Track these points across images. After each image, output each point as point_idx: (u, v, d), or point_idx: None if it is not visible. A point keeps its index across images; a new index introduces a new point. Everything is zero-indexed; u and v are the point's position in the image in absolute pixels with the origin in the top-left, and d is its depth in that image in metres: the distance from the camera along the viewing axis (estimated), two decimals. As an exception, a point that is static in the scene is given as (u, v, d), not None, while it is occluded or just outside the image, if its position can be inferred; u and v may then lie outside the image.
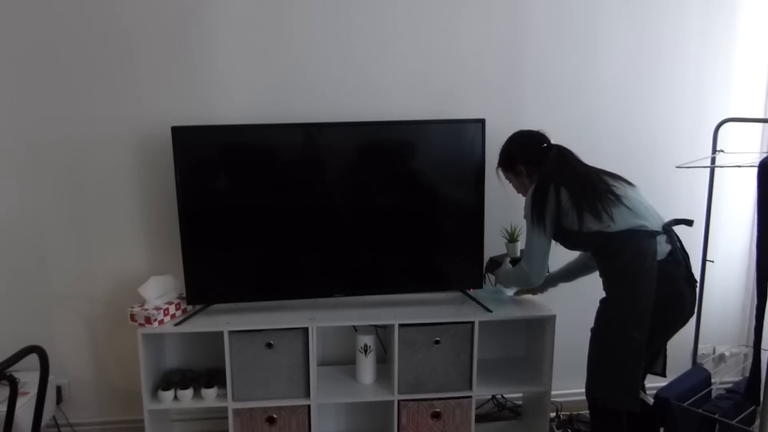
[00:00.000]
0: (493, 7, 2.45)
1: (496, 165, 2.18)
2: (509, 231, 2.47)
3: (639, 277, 1.88)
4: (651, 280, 1.87)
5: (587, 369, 2.03)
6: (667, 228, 1.96)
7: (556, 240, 2.07)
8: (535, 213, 2.00)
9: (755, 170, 1.98)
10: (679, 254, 1.94)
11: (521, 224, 2.60)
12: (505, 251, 2.47)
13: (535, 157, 2.06)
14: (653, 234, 1.90)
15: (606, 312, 2.01)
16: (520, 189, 2.17)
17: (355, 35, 2.42)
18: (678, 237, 1.98)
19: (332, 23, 2.40)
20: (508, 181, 2.19)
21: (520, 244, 2.47)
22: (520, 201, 2.60)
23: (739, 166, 2.34)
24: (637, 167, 2.65)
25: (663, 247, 1.91)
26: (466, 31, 2.47)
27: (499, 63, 2.50)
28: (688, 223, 2.05)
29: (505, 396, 2.77)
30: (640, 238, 1.89)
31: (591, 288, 2.75)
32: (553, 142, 2.10)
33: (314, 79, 2.43)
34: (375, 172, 2.33)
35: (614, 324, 1.95)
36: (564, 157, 2.04)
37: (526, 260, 2.09)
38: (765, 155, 2.15)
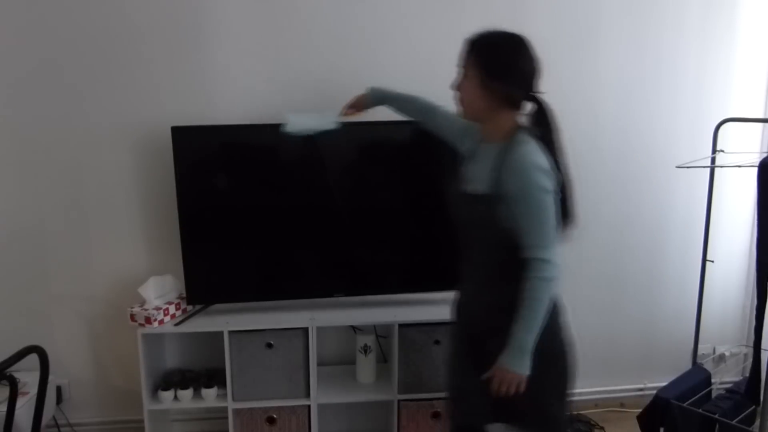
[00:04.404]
0: (494, 8, 2.45)
1: (467, 50, 1.62)
2: None
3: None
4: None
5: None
6: None
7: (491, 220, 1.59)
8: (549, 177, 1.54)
9: (755, 170, 1.98)
10: None
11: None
12: None
13: (522, 95, 1.59)
14: None
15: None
16: (469, 106, 1.62)
17: (355, 35, 2.41)
18: None
19: (332, 23, 2.40)
20: (460, 80, 1.65)
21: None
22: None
23: (739, 166, 2.34)
24: (637, 167, 2.65)
25: None
26: (467, 32, 2.47)
27: (499, 63, 2.49)
28: None
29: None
30: None
31: (590, 288, 2.76)
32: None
33: (314, 78, 2.43)
34: (375, 172, 2.33)
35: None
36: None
37: (544, 247, 1.52)
38: (765, 155, 2.15)
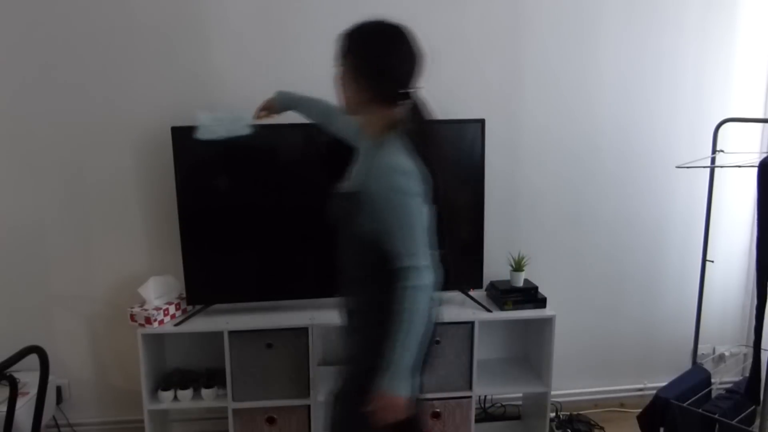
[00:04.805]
0: (494, 7, 2.45)
1: (341, 43, 1.54)
2: (515, 259, 2.46)
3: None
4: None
5: None
6: None
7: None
8: (415, 181, 1.45)
9: (755, 170, 1.98)
10: None
11: (527, 247, 2.60)
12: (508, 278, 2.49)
13: (392, 93, 1.48)
14: None
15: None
16: (345, 100, 1.55)
17: (355, 35, 2.41)
18: None
19: (332, 23, 2.39)
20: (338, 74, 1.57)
21: (525, 274, 2.47)
22: (521, 203, 2.61)
23: (739, 166, 2.34)
24: (637, 167, 2.65)
25: None
26: (467, 31, 2.47)
27: (500, 63, 2.50)
28: None
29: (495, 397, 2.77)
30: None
31: (591, 288, 2.76)
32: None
33: (315, 79, 2.42)
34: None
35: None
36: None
37: (413, 254, 1.43)
38: (765, 155, 2.15)
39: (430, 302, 1.45)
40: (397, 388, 1.42)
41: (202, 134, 1.99)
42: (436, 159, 1.48)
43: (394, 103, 1.49)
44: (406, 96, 1.48)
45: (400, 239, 1.42)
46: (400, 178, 1.41)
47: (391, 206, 1.41)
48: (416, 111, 1.50)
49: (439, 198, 1.48)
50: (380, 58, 1.47)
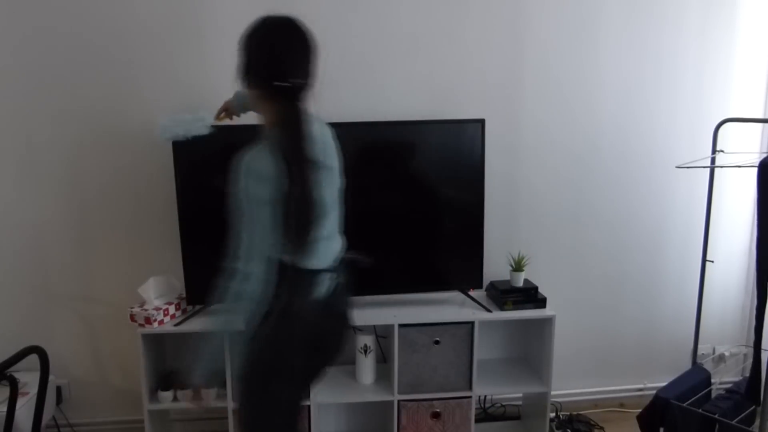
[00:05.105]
0: (494, 8, 2.45)
1: (243, 73, 1.50)
2: (515, 259, 2.46)
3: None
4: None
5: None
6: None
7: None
8: (266, 185, 1.43)
9: (755, 170, 1.98)
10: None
11: (527, 247, 2.61)
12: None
13: (264, 88, 1.47)
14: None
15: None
16: (250, 101, 1.56)
17: (355, 35, 2.41)
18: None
19: (333, 24, 2.40)
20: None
21: (524, 274, 2.47)
22: (520, 203, 2.61)
23: (739, 166, 2.34)
24: (637, 167, 2.65)
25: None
26: (467, 31, 2.47)
27: (499, 63, 2.50)
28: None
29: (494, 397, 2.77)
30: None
31: (591, 288, 2.76)
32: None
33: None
34: (375, 173, 2.33)
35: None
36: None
37: (242, 257, 1.43)
38: (765, 155, 2.15)
39: (247, 310, 1.46)
40: (193, 374, 1.54)
41: (162, 134, 2.04)
42: (300, 162, 1.42)
43: (276, 99, 1.46)
44: (287, 91, 1.44)
45: (242, 240, 1.42)
46: (250, 181, 1.39)
47: (239, 208, 1.41)
48: (292, 109, 1.46)
49: (294, 201, 1.41)
50: (259, 53, 1.47)
